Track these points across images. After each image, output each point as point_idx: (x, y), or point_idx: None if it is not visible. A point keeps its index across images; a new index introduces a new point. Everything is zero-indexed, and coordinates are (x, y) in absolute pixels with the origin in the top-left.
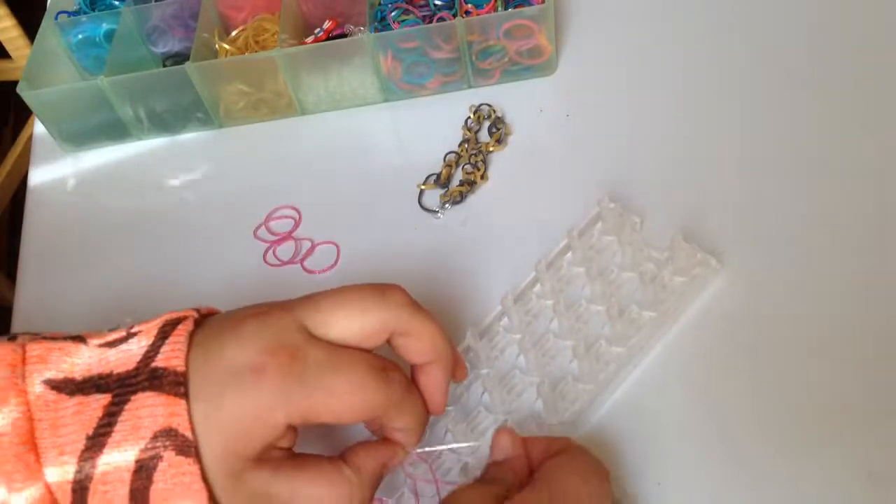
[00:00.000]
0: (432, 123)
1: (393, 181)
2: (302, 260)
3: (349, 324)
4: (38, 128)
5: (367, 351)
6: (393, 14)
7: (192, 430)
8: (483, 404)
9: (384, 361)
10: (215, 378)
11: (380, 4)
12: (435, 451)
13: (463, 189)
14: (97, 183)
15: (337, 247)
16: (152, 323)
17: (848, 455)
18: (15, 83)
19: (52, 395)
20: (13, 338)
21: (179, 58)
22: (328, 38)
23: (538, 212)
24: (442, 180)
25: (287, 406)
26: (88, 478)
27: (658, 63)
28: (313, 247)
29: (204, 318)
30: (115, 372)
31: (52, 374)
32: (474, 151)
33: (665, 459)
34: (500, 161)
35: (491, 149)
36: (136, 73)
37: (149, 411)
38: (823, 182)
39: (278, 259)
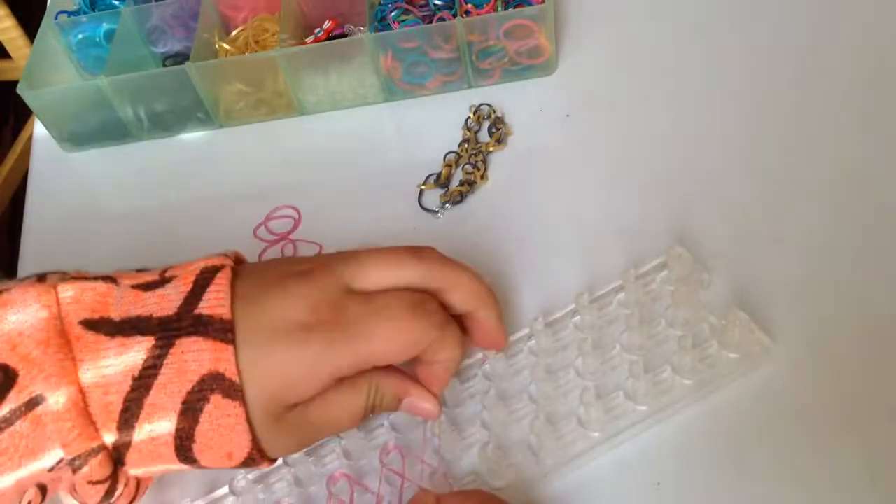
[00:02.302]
0: (432, 123)
1: (393, 181)
2: None
3: (386, 276)
4: (38, 128)
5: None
6: (393, 14)
7: (239, 376)
8: (481, 419)
9: (419, 295)
10: (262, 331)
11: (380, 4)
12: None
13: (463, 189)
14: (97, 183)
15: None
16: (188, 268)
17: (849, 456)
18: (15, 83)
19: (90, 335)
20: (42, 277)
21: (179, 58)
22: (328, 38)
23: (537, 212)
24: (442, 180)
25: (333, 360)
26: (135, 416)
27: (658, 63)
28: (313, 247)
29: (237, 267)
30: (154, 315)
31: (87, 314)
32: (474, 151)
33: (665, 459)
34: (500, 161)
35: (491, 149)
36: (137, 73)
37: (195, 356)
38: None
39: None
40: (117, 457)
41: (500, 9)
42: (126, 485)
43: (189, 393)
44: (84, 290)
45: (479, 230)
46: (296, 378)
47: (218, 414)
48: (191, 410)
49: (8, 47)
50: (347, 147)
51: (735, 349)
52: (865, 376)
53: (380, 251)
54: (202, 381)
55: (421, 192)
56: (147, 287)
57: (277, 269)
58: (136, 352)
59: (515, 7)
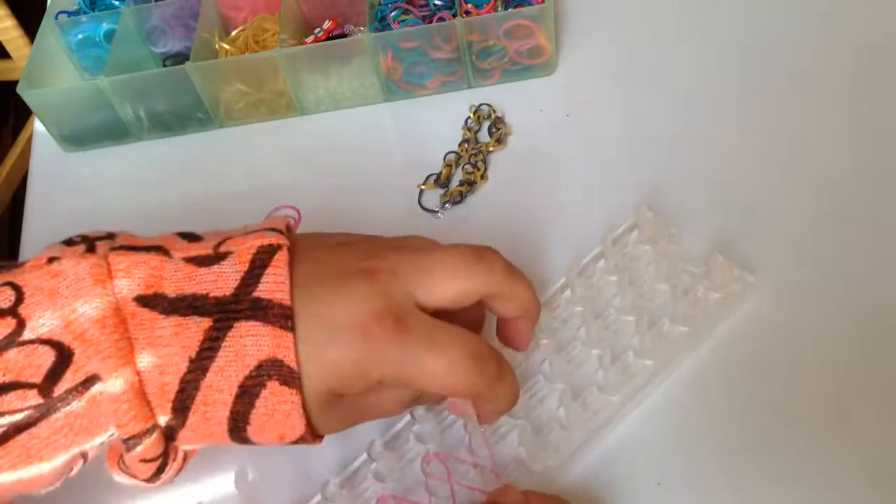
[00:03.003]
0: (432, 123)
1: (393, 181)
2: None
3: (453, 286)
4: (38, 128)
5: (473, 332)
6: (393, 14)
7: (298, 363)
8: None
9: (483, 348)
10: (322, 326)
11: (380, 4)
12: (453, 454)
13: (463, 189)
14: (97, 183)
15: None
16: (243, 245)
17: (849, 456)
18: (15, 83)
19: (146, 312)
20: (91, 248)
21: (179, 58)
22: (328, 38)
23: (537, 212)
24: (442, 180)
25: (383, 368)
26: (190, 398)
27: (658, 63)
28: None
29: (294, 246)
30: (211, 294)
31: (141, 290)
32: (474, 151)
33: (665, 459)
34: (500, 161)
35: (491, 149)
36: (137, 73)
37: (253, 340)
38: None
39: None
40: (170, 434)
41: (500, 9)
42: (174, 459)
43: (246, 377)
44: (137, 263)
45: (479, 230)
46: (345, 376)
47: (275, 400)
48: (247, 395)
49: (8, 47)
50: (347, 147)
51: (720, 289)
52: (845, 304)
53: (446, 255)
54: (260, 366)
55: (421, 192)
56: (201, 262)
57: (338, 258)
58: (193, 333)
59: (515, 7)
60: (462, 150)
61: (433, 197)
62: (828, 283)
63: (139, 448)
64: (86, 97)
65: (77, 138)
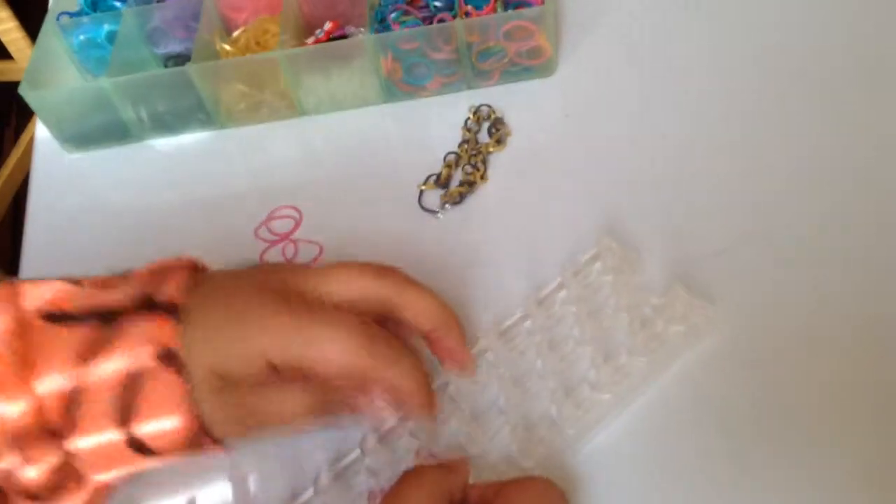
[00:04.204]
0: (432, 124)
1: (393, 182)
2: (302, 261)
3: (347, 286)
4: (39, 129)
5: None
6: (393, 15)
7: (184, 351)
8: (458, 442)
9: (374, 329)
10: (213, 314)
11: (380, 5)
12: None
13: (463, 190)
14: (99, 184)
15: (330, 246)
16: (148, 266)
17: (848, 457)
18: (17, 84)
19: (43, 322)
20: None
21: (181, 59)
22: (329, 40)
23: (537, 213)
24: (442, 181)
25: (272, 349)
26: (77, 390)
27: (658, 64)
28: (313, 247)
29: (197, 270)
30: (106, 303)
31: (43, 305)
32: (474, 152)
33: (664, 469)
34: (500, 162)
35: (491, 149)
36: (138, 74)
37: (141, 330)
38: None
39: (284, 259)
40: (69, 466)
41: (499, 10)
42: (77, 488)
43: (132, 365)
44: (41, 285)
45: (479, 230)
46: (235, 356)
47: (161, 388)
48: (134, 383)
49: (10, 48)
50: (348, 148)
51: (680, 322)
52: (806, 324)
53: (346, 263)
54: (146, 354)
55: (421, 192)
56: (105, 284)
57: (240, 273)
58: (83, 330)
59: (515, 8)
60: (462, 151)
61: (433, 197)
62: (788, 313)
63: (37, 473)
64: (87, 98)
65: (79, 139)
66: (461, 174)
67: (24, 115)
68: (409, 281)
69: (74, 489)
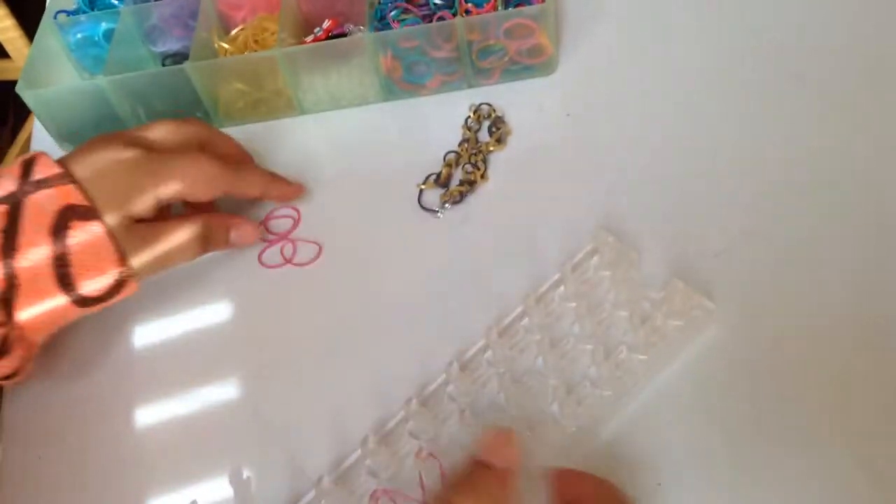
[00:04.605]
0: (432, 123)
1: (393, 181)
2: (301, 261)
3: (169, 135)
4: (37, 127)
5: None
6: (393, 13)
7: (88, 199)
8: (459, 441)
9: (216, 158)
10: (96, 170)
11: (379, 3)
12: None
13: (463, 189)
14: None
15: (330, 245)
16: (6, 166)
17: (850, 457)
18: (14, 83)
19: None
20: None
21: (179, 57)
22: (328, 38)
23: (538, 212)
24: (442, 180)
25: (150, 185)
26: (13, 275)
27: (658, 63)
28: (313, 246)
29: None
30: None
31: None
32: (474, 151)
33: (664, 465)
34: (500, 161)
35: (491, 148)
36: (136, 72)
37: (46, 198)
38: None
39: (283, 258)
40: (5, 307)
41: (500, 8)
42: (16, 339)
43: (52, 226)
44: None
45: (479, 230)
46: (129, 184)
47: (83, 236)
48: (59, 238)
49: (7, 47)
50: (347, 147)
51: (679, 316)
52: (806, 319)
53: (162, 120)
54: (59, 214)
55: (421, 191)
56: None
57: (101, 144)
58: None
59: (516, 6)
60: (462, 150)
61: (433, 196)
62: (787, 309)
63: None
64: (85, 97)
65: (76, 138)
66: (461, 173)
67: (21, 113)
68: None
69: (18, 349)
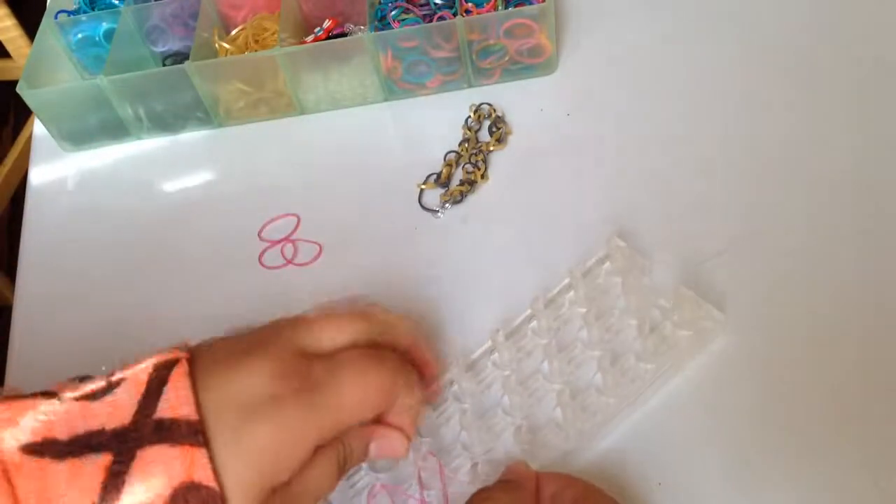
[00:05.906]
0: (432, 123)
1: (393, 180)
2: (302, 261)
3: (335, 335)
4: (37, 127)
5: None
6: (393, 13)
7: (217, 479)
8: (461, 441)
9: (374, 347)
10: (231, 416)
11: (380, 3)
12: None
13: (463, 188)
14: (97, 182)
15: (332, 245)
16: (138, 368)
17: (851, 459)
18: (15, 82)
19: (34, 461)
20: None
21: (179, 57)
22: (328, 38)
23: (538, 212)
24: (442, 180)
25: (316, 422)
26: None
27: (658, 63)
28: (313, 246)
29: (192, 357)
30: (107, 427)
31: (27, 437)
32: (474, 151)
33: (665, 465)
34: (501, 160)
35: (491, 148)
36: (136, 72)
37: (162, 468)
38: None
39: (284, 258)
40: None
41: (500, 8)
42: None
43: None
44: (21, 410)
45: (479, 230)
46: (280, 453)
47: None
48: None
49: (8, 47)
50: (347, 146)
51: (688, 326)
52: (815, 329)
53: (324, 314)
54: (175, 494)
55: (421, 191)
56: (94, 397)
57: (227, 348)
58: (91, 472)
59: (516, 6)
60: (462, 150)
61: (433, 196)
62: (797, 318)
63: None
64: (85, 96)
65: (77, 137)
66: (462, 173)
67: (22, 113)
68: (387, 312)
69: None
